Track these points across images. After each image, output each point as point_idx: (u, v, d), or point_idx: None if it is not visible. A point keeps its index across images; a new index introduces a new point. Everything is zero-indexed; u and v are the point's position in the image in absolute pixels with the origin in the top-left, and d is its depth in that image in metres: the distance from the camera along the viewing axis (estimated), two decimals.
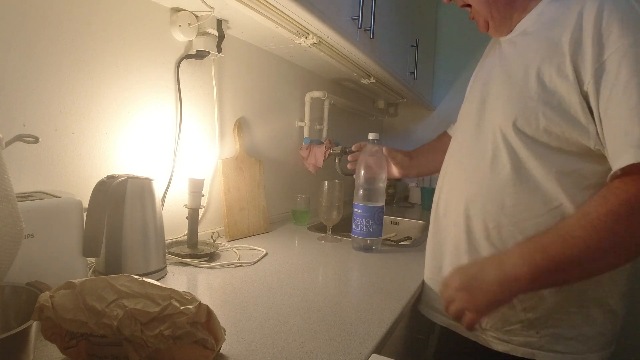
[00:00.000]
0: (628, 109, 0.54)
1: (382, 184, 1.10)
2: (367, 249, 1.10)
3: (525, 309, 0.70)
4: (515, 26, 0.74)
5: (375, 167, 1.07)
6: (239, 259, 0.95)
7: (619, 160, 0.55)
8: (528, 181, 0.67)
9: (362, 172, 1.08)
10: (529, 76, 0.66)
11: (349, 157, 1.13)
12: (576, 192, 0.64)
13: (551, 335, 0.69)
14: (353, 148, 1.14)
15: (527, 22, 0.72)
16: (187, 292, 0.48)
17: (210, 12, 0.95)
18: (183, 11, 0.97)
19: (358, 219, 1.09)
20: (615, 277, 0.69)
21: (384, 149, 1.06)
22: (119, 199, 0.72)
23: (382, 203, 1.10)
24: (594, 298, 0.68)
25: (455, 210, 0.78)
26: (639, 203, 0.52)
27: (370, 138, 1.11)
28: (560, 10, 0.65)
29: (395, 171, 1.11)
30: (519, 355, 0.71)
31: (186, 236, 0.95)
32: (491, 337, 0.74)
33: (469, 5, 0.77)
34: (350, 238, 1.20)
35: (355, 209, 1.10)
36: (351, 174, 1.18)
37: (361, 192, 1.09)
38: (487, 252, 0.72)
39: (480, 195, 0.73)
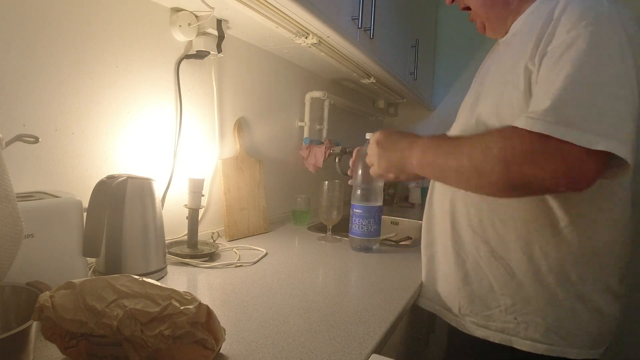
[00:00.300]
0: (547, 92, 0.58)
1: (380, 184, 1.10)
2: (367, 249, 1.10)
3: (504, 294, 0.72)
4: (510, 28, 0.78)
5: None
6: (239, 259, 0.95)
7: (518, 120, 0.58)
8: None
9: (360, 172, 1.07)
10: (511, 71, 0.69)
11: (350, 163, 1.12)
12: None
13: (529, 322, 0.70)
14: (351, 163, 1.13)
15: (519, 23, 0.75)
16: (187, 292, 0.48)
17: (210, 12, 0.95)
18: (183, 11, 0.97)
19: (358, 220, 1.09)
20: (598, 273, 0.69)
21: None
22: (119, 199, 0.72)
23: (380, 203, 1.10)
24: (574, 291, 0.68)
25: (442, 200, 0.81)
26: (509, 149, 0.58)
27: (368, 138, 1.10)
28: (545, 9, 0.68)
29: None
30: (496, 341, 0.73)
31: (186, 236, 0.95)
32: (470, 322, 0.76)
33: (469, 8, 0.81)
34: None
35: (355, 210, 1.10)
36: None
37: (359, 192, 1.09)
38: (468, 238, 0.75)
39: None
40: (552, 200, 0.67)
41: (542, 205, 0.68)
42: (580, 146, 0.52)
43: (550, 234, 0.68)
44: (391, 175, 1.03)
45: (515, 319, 0.71)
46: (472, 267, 0.75)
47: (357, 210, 1.09)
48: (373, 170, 0.81)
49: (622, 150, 0.53)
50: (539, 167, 0.56)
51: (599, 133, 0.53)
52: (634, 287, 0.75)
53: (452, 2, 0.84)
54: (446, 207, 0.79)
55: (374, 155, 0.79)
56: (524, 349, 0.70)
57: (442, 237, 0.81)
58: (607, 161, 0.54)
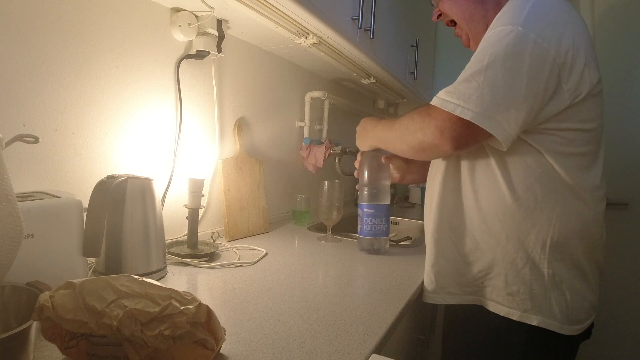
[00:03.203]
0: (459, 77, 0.70)
1: (387, 182, 1.08)
2: (377, 249, 1.08)
3: (471, 262, 0.80)
4: None
5: (380, 166, 1.06)
6: (239, 259, 0.95)
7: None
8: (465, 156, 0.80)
9: (367, 172, 1.06)
10: None
11: (356, 164, 1.12)
12: (518, 175, 0.74)
13: (493, 286, 0.78)
14: (356, 164, 1.14)
15: None
16: (187, 292, 0.48)
17: (210, 12, 0.95)
18: (183, 11, 0.97)
19: (370, 219, 1.05)
20: (560, 247, 0.73)
21: (382, 158, 1.06)
22: (119, 199, 0.72)
23: (388, 202, 1.08)
24: (531, 259, 0.74)
25: (429, 191, 0.89)
26: (412, 121, 0.76)
27: None
28: None
29: (392, 177, 1.11)
30: (469, 303, 0.81)
31: (186, 236, 0.95)
32: (446, 293, 0.83)
33: (454, 24, 0.89)
34: (350, 238, 1.20)
35: (365, 209, 1.06)
36: (351, 173, 1.17)
37: (367, 192, 1.06)
38: (442, 219, 0.82)
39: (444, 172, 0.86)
40: (505, 176, 0.74)
41: (497, 180, 0.75)
42: (453, 118, 0.67)
43: (505, 204, 0.74)
44: (396, 176, 1.06)
45: (482, 283, 0.79)
46: (443, 243, 0.83)
47: (368, 210, 1.05)
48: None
49: (488, 124, 0.65)
50: (424, 133, 0.72)
51: (471, 109, 0.65)
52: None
53: (438, 18, 0.92)
54: (431, 198, 0.86)
55: (357, 135, 1.00)
56: (490, 309, 0.78)
57: (428, 226, 0.88)
58: (478, 134, 0.67)
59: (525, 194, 0.73)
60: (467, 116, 0.65)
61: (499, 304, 0.77)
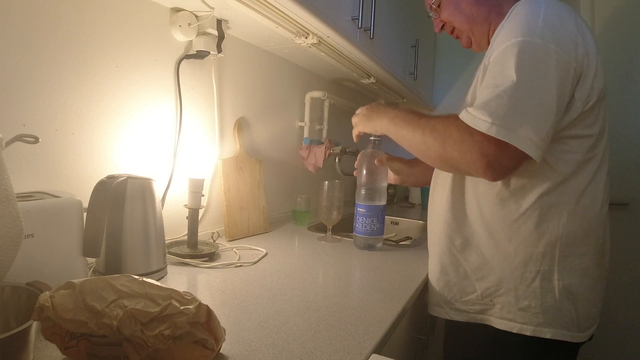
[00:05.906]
0: (484, 92, 0.67)
1: (384, 184, 1.10)
2: (370, 247, 1.12)
3: (478, 279, 0.78)
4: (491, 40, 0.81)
5: (377, 167, 1.07)
6: (239, 259, 0.95)
7: (462, 111, 0.69)
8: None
9: (364, 172, 1.08)
10: (480, 79, 0.74)
11: (355, 165, 1.13)
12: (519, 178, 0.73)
13: (503, 303, 0.76)
14: (356, 165, 1.14)
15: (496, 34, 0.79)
16: (187, 292, 0.48)
17: (210, 12, 0.95)
18: (183, 11, 0.97)
19: (362, 218, 1.10)
20: (568, 256, 0.72)
21: (376, 161, 1.06)
22: (119, 199, 0.72)
23: (384, 202, 1.12)
24: (541, 272, 0.73)
25: (431, 202, 0.88)
26: (447, 133, 0.69)
27: (372, 138, 1.11)
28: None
29: (391, 178, 1.12)
30: (477, 322, 0.80)
31: (186, 236, 0.95)
32: (450, 309, 0.82)
33: (453, 29, 0.88)
34: (350, 238, 1.20)
35: (359, 209, 1.11)
36: (351, 174, 1.18)
37: (364, 192, 1.10)
38: (445, 231, 0.81)
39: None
40: (508, 190, 0.73)
41: (501, 195, 0.74)
42: (496, 143, 0.62)
43: (510, 218, 0.74)
44: (395, 178, 1.05)
45: (491, 301, 0.77)
46: (449, 258, 0.81)
47: (361, 210, 1.10)
48: (355, 133, 0.95)
49: (531, 149, 0.62)
50: (461, 153, 0.66)
51: (512, 128, 0.61)
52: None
53: (442, 29, 0.91)
54: (437, 213, 0.85)
55: (359, 119, 0.92)
56: (501, 327, 0.76)
57: (433, 241, 0.87)
58: (520, 159, 0.64)
59: (531, 208, 0.72)
60: (509, 140, 0.62)
61: (511, 321, 0.75)
